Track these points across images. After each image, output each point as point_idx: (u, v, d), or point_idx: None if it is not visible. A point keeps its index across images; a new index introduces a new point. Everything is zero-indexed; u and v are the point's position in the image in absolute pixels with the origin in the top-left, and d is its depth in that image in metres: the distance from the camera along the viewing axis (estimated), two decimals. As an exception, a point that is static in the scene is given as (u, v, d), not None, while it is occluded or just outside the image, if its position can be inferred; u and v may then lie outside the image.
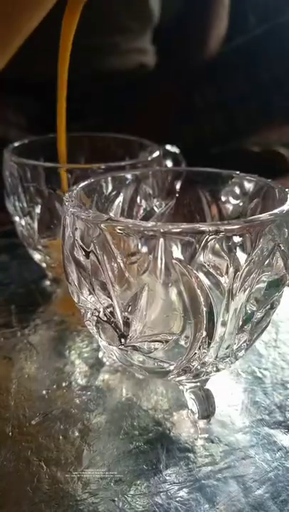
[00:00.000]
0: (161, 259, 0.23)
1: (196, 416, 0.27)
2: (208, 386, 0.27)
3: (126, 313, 0.24)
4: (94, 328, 0.26)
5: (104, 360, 0.31)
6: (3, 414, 0.27)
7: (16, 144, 0.39)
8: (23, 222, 0.37)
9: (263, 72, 0.74)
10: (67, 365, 0.31)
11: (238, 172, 0.29)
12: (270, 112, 0.77)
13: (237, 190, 0.29)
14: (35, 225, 0.37)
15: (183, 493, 0.23)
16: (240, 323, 0.24)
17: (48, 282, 0.41)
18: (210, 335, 0.23)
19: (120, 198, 0.30)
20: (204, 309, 0.23)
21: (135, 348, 0.25)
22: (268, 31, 0.76)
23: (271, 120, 0.80)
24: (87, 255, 0.24)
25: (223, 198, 0.30)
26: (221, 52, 0.79)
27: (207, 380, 0.27)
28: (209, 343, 0.24)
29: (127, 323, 0.24)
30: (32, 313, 0.36)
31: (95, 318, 0.25)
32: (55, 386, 0.29)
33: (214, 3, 0.78)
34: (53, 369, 0.31)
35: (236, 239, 0.22)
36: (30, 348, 0.33)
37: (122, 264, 0.23)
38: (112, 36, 0.70)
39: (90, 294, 0.24)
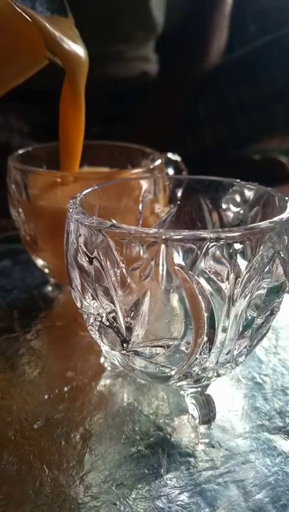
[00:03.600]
0: (163, 266, 0.24)
1: (197, 421, 0.27)
2: (208, 391, 0.27)
3: (128, 319, 0.24)
4: (96, 333, 0.26)
5: (106, 365, 0.32)
6: (6, 418, 0.27)
7: (20, 152, 0.39)
8: (26, 228, 0.38)
9: (264, 82, 0.75)
10: (69, 369, 0.31)
11: (238, 180, 0.30)
12: (272, 122, 0.78)
13: (237, 198, 0.30)
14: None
15: (184, 497, 0.23)
16: (241, 329, 0.24)
17: (50, 288, 0.41)
18: (211, 340, 0.24)
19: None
20: (205, 315, 0.23)
21: (137, 353, 0.25)
22: (270, 42, 0.77)
23: (273, 130, 0.81)
24: (90, 261, 0.24)
25: (223, 206, 0.31)
26: (223, 62, 0.80)
27: (208, 385, 0.27)
28: (210, 349, 0.24)
29: (129, 329, 0.24)
30: (34, 319, 0.37)
31: (98, 323, 0.25)
32: (57, 391, 0.30)
33: (214, 13, 0.79)
34: (54, 374, 0.31)
35: (237, 246, 0.22)
36: (32, 353, 0.33)
37: (124, 270, 0.24)
38: (116, 44, 0.71)
39: (93, 299, 0.25)
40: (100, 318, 0.25)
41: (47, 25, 0.29)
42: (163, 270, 0.24)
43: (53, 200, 0.35)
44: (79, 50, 0.32)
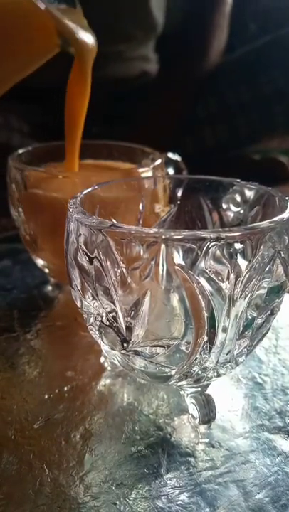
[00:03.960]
0: (163, 265, 0.24)
1: (197, 421, 0.27)
2: (208, 391, 0.27)
3: (128, 318, 0.24)
4: (96, 332, 0.26)
5: (106, 365, 0.32)
6: (6, 417, 0.27)
7: (20, 151, 0.39)
8: (26, 228, 0.38)
9: (264, 82, 0.75)
10: (69, 369, 0.31)
11: (238, 180, 0.30)
12: (272, 122, 0.78)
13: (238, 198, 0.30)
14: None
15: (184, 497, 0.23)
16: (241, 328, 0.24)
17: (50, 287, 0.41)
18: (211, 340, 0.24)
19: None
20: (205, 315, 0.23)
21: (137, 353, 0.25)
22: (270, 42, 0.77)
23: (273, 130, 0.81)
24: (90, 261, 0.24)
25: (224, 206, 0.31)
26: (223, 62, 0.80)
27: (208, 385, 0.27)
28: (210, 349, 0.24)
29: (129, 328, 0.24)
30: (34, 318, 0.37)
31: (98, 323, 0.25)
32: (57, 390, 0.29)
33: (214, 13, 0.79)
34: (54, 373, 0.31)
35: (237, 246, 0.22)
36: (32, 353, 0.33)
37: (124, 270, 0.24)
38: (116, 44, 0.71)
39: (93, 299, 0.25)
40: (100, 318, 0.25)
41: (60, 15, 0.30)
42: (163, 270, 0.24)
43: (53, 191, 0.35)
44: (89, 38, 0.33)
